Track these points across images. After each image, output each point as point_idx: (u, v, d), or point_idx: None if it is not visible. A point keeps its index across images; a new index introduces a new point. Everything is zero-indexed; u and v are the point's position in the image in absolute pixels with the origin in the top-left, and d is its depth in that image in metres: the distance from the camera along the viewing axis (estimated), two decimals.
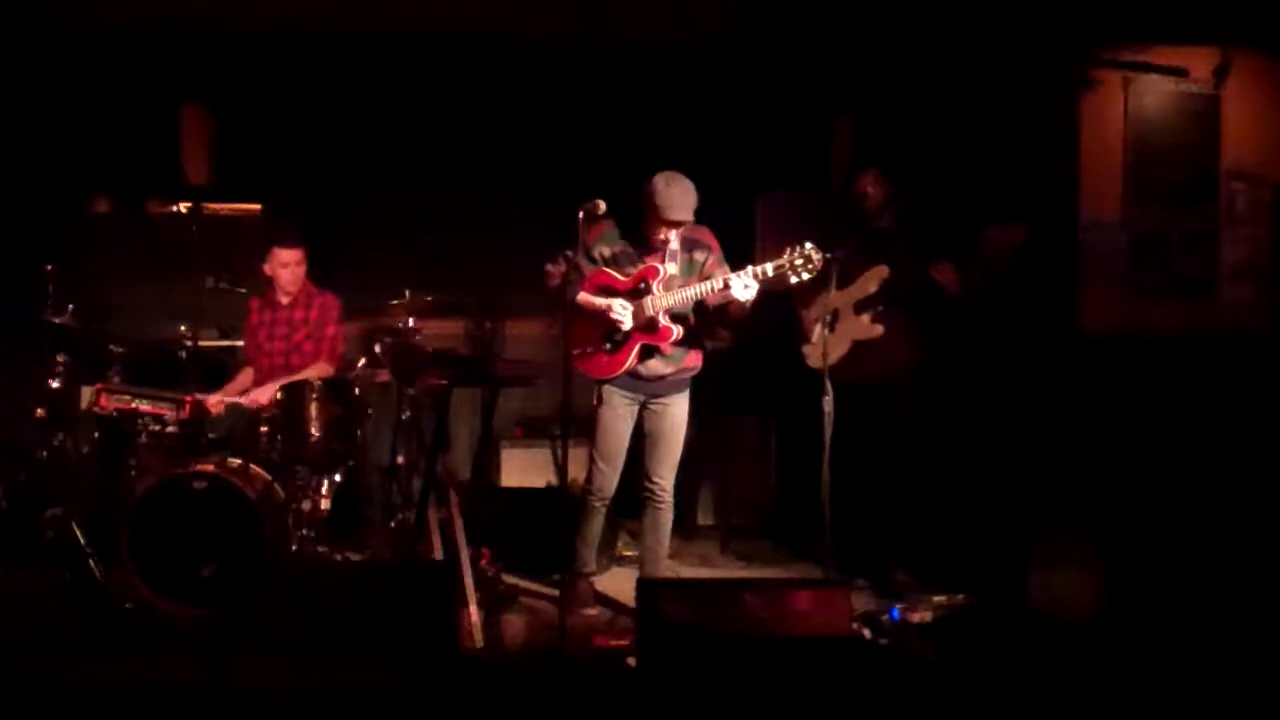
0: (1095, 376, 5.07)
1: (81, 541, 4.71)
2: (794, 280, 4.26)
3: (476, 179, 6.62)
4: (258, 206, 6.65)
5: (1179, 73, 5.20)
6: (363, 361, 5.53)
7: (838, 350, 4.88)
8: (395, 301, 5.40)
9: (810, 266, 4.22)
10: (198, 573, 4.39)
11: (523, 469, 6.19)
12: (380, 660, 3.77)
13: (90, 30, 6.13)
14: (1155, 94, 5.23)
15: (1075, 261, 5.24)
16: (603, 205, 4.17)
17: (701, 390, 4.82)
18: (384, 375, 5.46)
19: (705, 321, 4.57)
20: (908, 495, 4.99)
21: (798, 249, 4.23)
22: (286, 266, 5.33)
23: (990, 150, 5.47)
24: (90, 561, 4.67)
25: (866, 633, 4.34)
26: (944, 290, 4.80)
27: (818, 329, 4.77)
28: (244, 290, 5.57)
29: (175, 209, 6.53)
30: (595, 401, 4.61)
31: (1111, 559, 4.24)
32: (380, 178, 6.68)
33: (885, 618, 4.43)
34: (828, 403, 4.43)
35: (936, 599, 4.57)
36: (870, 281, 4.96)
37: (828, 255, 4.25)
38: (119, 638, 4.29)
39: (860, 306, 4.97)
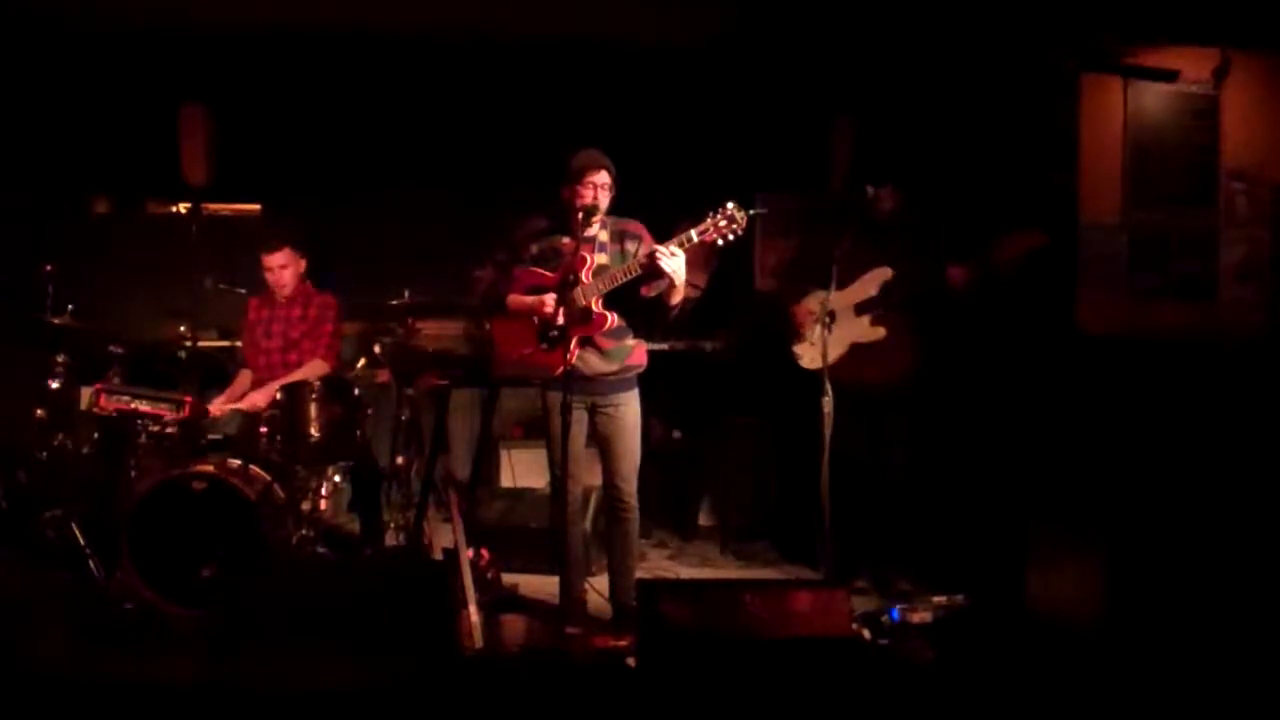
0: (1095, 377, 5.06)
1: (81, 541, 4.73)
2: (721, 242, 4.09)
3: (476, 179, 6.62)
4: (257, 207, 6.66)
5: (1168, 77, 5.19)
6: (363, 361, 5.54)
7: (834, 352, 4.81)
8: (395, 301, 5.40)
9: (735, 227, 4.05)
10: (198, 573, 4.39)
11: (522, 469, 6.18)
12: (380, 660, 3.77)
13: (90, 30, 6.12)
14: (1155, 94, 5.22)
15: (1075, 262, 5.24)
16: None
17: (700, 392, 4.81)
18: (384, 375, 5.47)
19: (646, 312, 4.38)
20: (904, 499, 4.99)
21: (720, 210, 4.07)
22: (270, 271, 5.32)
23: (990, 151, 5.47)
24: (90, 561, 4.68)
25: (866, 633, 4.34)
26: (950, 289, 4.74)
27: (817, 329, 4.74)
28: (243, 290, 5.58)
29: (175, 209, 6.55)
30: (541, 411, 4.52)
31: (1111, 559, 4.24)
32: (380, 178, 6.69)
33: (885, 618, 4.44)
34: (827, 403, 4.43)
35: (936, 599, 4.57)
36: (871, 283, 4.93)
37: (750, 213, 4.08)
38: (119, 638, 4.29)
39: (861, 308, 4.95)
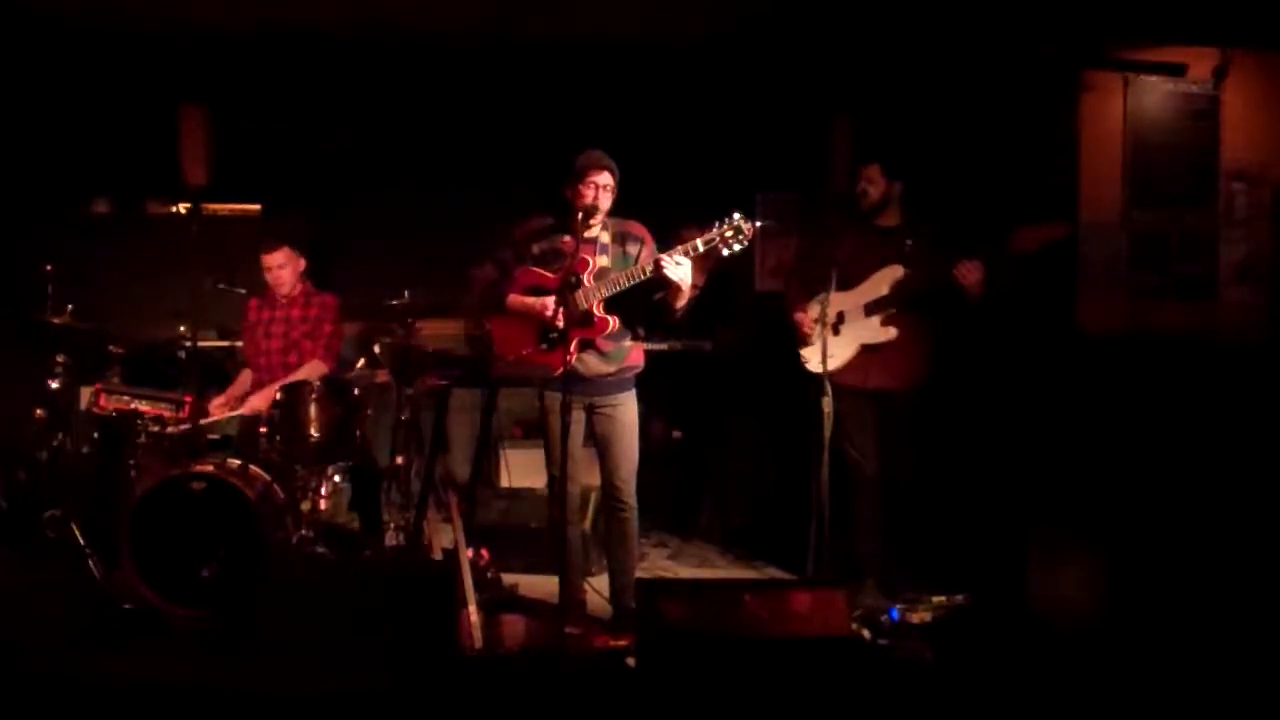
0: (1095, 377, 5.06)
1: (81, 541, 4.72)
2: (726, 253, 4.10)
3: (477, 179, 6.62)
4: (257, 207, 6.66)
5: (1177, 70, 5.18)
6: (362, 361, 5.54)
7: (843, 353, 4.78)
8: (395, 301, 5.40)
9: (740, 237, 4.06)
10: (198, 573, 4.40)
11: (523, 469, 6.17)
12: (380, 660, 3.77)
13: (90, 30, 6.12)
14: (1155, 94, 5.22)
15: (1075, 262, 5.24)
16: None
17: (700, 392, 4.80)
18: (384, 375, 5.47)
19: (648, 315, 4.41)
20: (908, 500, 4.97)
21: (727, 221, 4.08)
22: (270, 270, 5.33)
23: (990, 151, 5.46)
24: (90, 561, 4.68)
25: (866, 633, 4.34)
26: (964, 293, 4.61)
27: (817, 329, 4.72)
28: (243, 290, 5.58)
29: (174, 209, 6.56)
30: (539, 412, 4.51)
31: (1111, 559, 4.24)
32: (380, 178, 6.69)
33: (885, 618, 4.43)
34: (827, 403, 4.42)
35: (936, 599, 4.56)
36: (882, 283, 4.79)
37: (757, 224, 4.10)
38: (119, 638, 4.29)
39: (871, 308, 4.81)
